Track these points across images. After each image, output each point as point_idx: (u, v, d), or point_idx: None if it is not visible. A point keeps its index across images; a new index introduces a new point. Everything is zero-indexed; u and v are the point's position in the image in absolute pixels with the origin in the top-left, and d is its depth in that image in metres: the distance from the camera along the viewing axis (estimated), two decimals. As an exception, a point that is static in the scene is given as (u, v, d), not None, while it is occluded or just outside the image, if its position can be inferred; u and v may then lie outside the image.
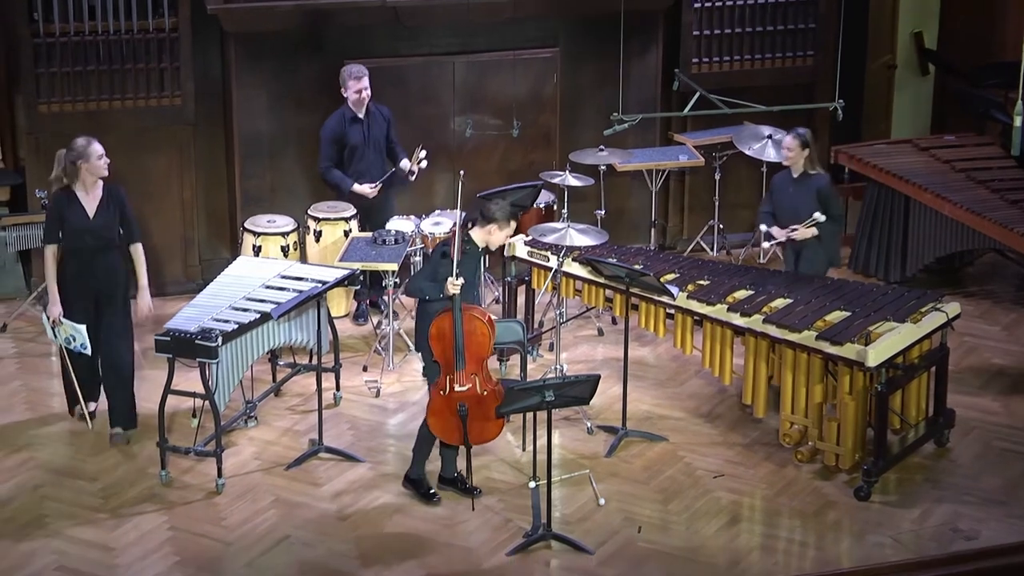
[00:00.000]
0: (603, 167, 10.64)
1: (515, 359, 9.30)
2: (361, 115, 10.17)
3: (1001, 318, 10.54)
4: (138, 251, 8.93)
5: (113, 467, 8.72)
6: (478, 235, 8.26)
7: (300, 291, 8.81)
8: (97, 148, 8.70)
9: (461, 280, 8.02)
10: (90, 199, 8.74)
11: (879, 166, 10.76)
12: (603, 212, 10.64)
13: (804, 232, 9.33)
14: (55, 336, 8.85)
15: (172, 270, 10.84)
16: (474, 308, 8.14)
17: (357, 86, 10.12)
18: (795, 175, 9.39)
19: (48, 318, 8.82)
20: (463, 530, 8.14)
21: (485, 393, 8.11)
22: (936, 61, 12.49)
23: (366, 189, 10.20)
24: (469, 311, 8.10)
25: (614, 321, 10.25)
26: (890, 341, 8.36)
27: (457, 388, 8.13)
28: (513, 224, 8.29)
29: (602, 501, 8.34)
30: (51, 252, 8.81)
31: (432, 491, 8.38)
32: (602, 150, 10.47)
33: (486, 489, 8.44)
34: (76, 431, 9.09)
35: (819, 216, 9.26)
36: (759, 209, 9.75)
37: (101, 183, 8.79)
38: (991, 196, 10.28)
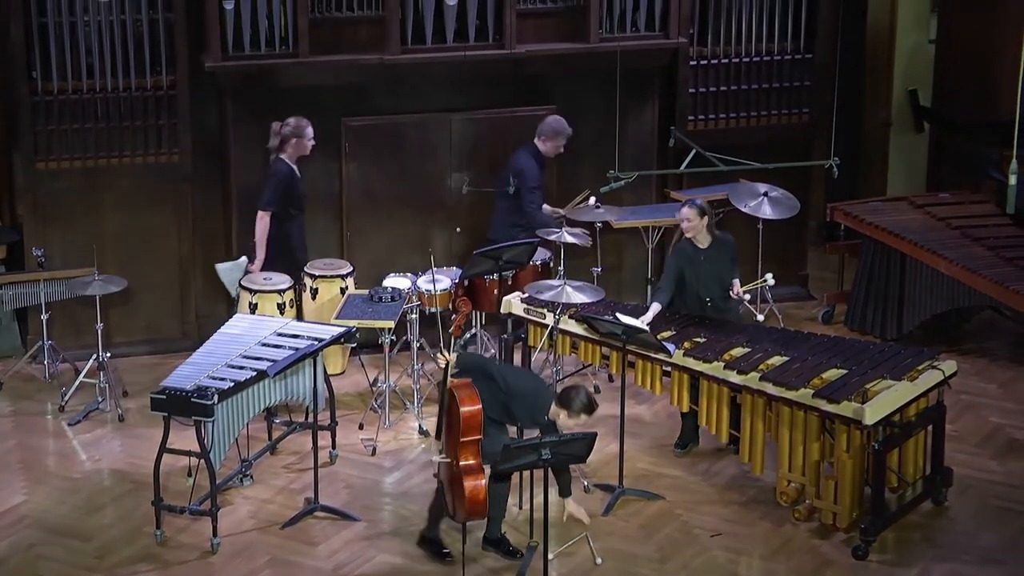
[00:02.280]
0: (599, 224, 10.66)
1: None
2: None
3: (998, 375, 10.53)
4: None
5: (108, 526, 8.69)
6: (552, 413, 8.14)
7: (296, 348, 8.80)
8: (311, 131, 10.04)
9: (453, 355, 8.02)
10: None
11: (875, 223, 10.78)
12: (599, 269, 10.66)
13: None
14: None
15: (169, 327, 10.84)
16: (464, 387, 8.05)
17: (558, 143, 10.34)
18: (703, 246, 9.36)
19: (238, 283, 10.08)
20: (459, 590, 8.11)
21: (456, 473, 8.04)
22: (932, 118, 12.55)
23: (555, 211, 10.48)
24: (453, 388, 8.04)
25: (611, 379, 10.24)
26: (887, 399, 8.35)
27: (435, 458, 8.11)
28: (583, 417, 8.04)
29: (599, 560, 8.30)
30: (268, 217, 10.00)
31: (446, 551, 8.32)
32: (599, 207, 10.50)
33: (482, 552, 8.39)
34: (71, 489, 9.06)
35: (770, 279, 9.34)
36: (658, 287, 9.53)
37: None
38: (987, 253, 10.31)
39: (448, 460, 8.07)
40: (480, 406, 7.98)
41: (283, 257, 10.22)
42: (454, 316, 8.35)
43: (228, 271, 10.30)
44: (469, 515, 8.04)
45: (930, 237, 10.55)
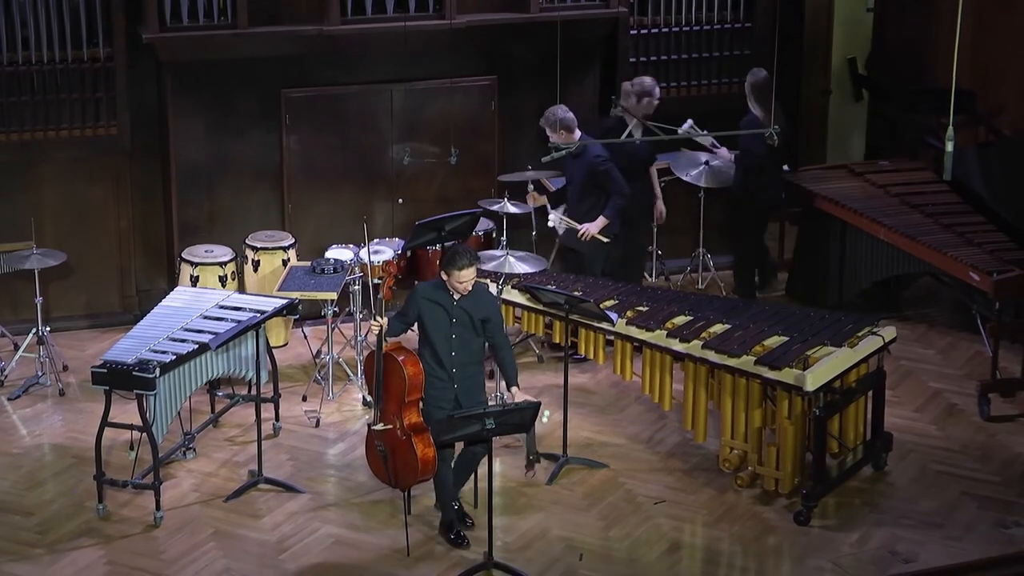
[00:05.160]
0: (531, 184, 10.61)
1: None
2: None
3: (937, 341, 10.64)
4: None
5: (49, 501, 8.63)
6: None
7: (238, 321, 8.77)
8: (658, 90, 10.37)
9: (383, 320, 8.02)
10: None
11: (815, 191, 10.84)
12: (534, 234, 10.61)
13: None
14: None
15: (109, 301, 10.76)
16: (400, 349, 8.11)
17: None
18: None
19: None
20: (405, 560, 8.11)
21: (404, 437, 8.06)
22: (870, 86, 12.62)
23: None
24: (391, 351, 8.06)
25: (556, 347, 10.24)
26: (828, 365, 8.42)
27: (375, 426, 8.11)
28: (460, 271, 8.02)
29: (546, 417, 8.06)
30: None
31: (455, 535, 8.23)
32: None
33: (428, 519, 8.40)
34: (12, 465, 8.99)
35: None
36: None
37: None
38: (925, 220, 10.39)
39: (389, 427, 8.07)
40: (421, 365, 8.01)
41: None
42: (383, 280, 8.33)
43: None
44: (421, 475, 8.07)
45: (869, 204, 10.62)
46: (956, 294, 10.50)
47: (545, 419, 8.09)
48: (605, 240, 10.07)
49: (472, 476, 8.40)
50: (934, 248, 10.05)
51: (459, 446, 8.20)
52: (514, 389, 8.17)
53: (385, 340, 8.06)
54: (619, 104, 10.38)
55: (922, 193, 10.75)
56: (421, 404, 8.11)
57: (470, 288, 8.07)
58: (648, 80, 10.46)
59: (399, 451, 8.06)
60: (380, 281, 8.26)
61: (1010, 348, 9.87)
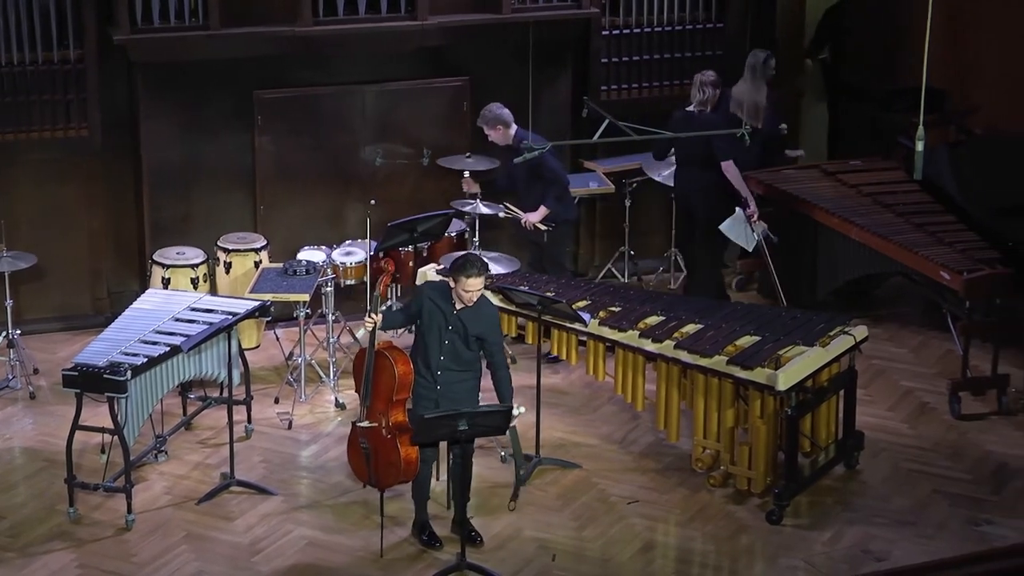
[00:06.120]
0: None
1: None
2: None
3: (908, 340, 10.67)
4: None
5: (20, 505, 8.59)
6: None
7: (210, 323, 8.74)
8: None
9: (377, 317, 8.00)
10: None
11: (787, 191, 10.86)
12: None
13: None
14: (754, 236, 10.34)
15: (80, 303, 10.72)
16: (392, 348, 8.11)
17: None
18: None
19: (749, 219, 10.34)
20: (379, 562, 8.10)
21: (389, 436, 8.05)
22: (841, 86, 12.64)
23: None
24: (384, 350, 8.06)
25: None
26: (800, 365, 8.44)
27: (361, 423, 8.10)
28: (468, 279, 7.96)
29: (518, 411, 8.12)
30: (733, 163, 10.36)
31: (427, 536, 8.23)
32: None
33: (401, 519, 8.39)
34: (-18, 469, 8.97)
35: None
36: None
37: None
38: (896, 219, 10.42)
39: (375, 425, 8.06)
40: (411, 364, 8.02)
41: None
42: (380, 277, 8.35)
43: (732, 227, 10.44)
44: (404, 475, 8.07)
45: (841, 204, 10.65)
46: (927, 293, 10.54)
47: (518, 413, 8.10)
48: (544, 228, 10.09)
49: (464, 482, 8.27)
50: (905, 247, 10.08)
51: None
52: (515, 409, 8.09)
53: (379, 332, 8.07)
54: (590, 104, 10.37)
55: (893, 193, 10.77)
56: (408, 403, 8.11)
57: (475, 299, 8.02)
58: (711, 76, 10.51)
59: (383, 450, 8.05)
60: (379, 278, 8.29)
61: (980, 347, 9.91)
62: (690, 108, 10.50)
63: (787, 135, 11.27)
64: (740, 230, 10.48)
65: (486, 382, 8.22)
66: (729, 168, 10.40)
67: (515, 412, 7.91)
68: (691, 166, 10.54)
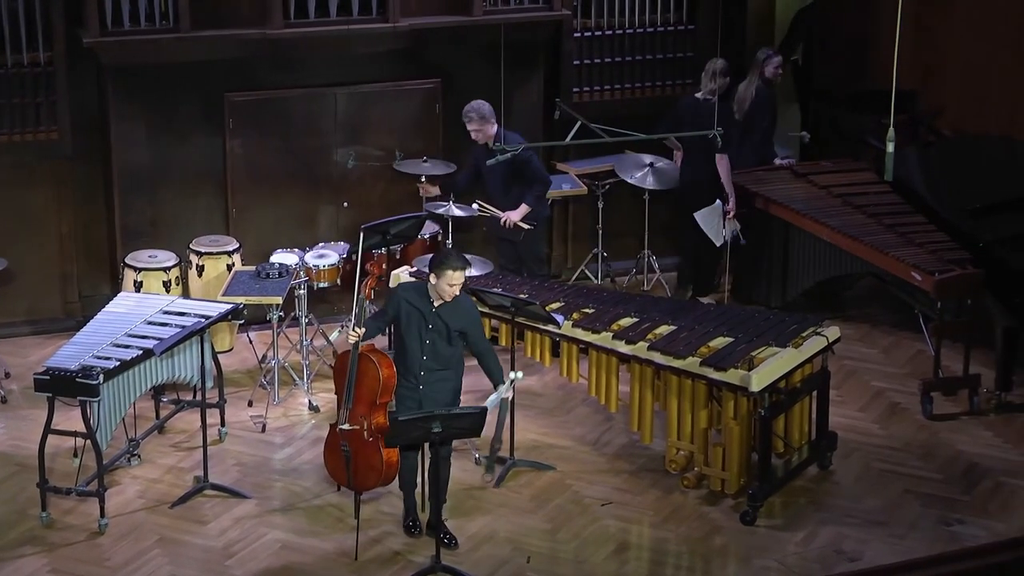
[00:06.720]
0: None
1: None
2: None
3: (880, 341, 10.72)
4: None
5: (-8, 510, 8.56)
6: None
7: (183, 326, 8.72)
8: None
9: (361, 330, 8.01)
10: None
11: (758, 192, 10.90)
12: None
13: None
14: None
15: (51, 307, 10.67)
16: (375, 351, 8.09)
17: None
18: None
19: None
20: (353, 564, 8.09)
21: (371, 439, 8.04)
22: (811, 88, 12.68)
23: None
24: (368, 352, 8.05)
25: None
26: (773, 366, 8.47)
27: (342, 426, 8.09)
28: (452, 272, 7.96)
29: (517, 376, 8.13)
30: (727, 158, 10.39)
31: (411, 522, 8.29)
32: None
33: (376, 523, 8.39)
34: (-47, 474, 8.92)
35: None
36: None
37: None
38: (867, 221, 10.46)
39: (356, 428, 8.05)
40: (395, 368, 8.02)
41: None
42: (365, 279, 8.34)
43: (706, 217, 10.42)
44: (384, 478, 8.07)
45: (813, 205, 10.69)
46: (898, 294, 10.58)
47: (515, 378, 8.14)
48: (526, 227, 10.10)
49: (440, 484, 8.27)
50: (876, 248, 10.13)
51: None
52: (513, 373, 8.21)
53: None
54: (562, 106, 10.39)
55: (864, 194, 10.82)
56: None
57: (456, 293, 8.04)
58: (720, 64, 10.57)
59: (364, 453, 8.04)
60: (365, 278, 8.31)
61: (951, 347, 9.96)
62: (699, 95, 10.55)
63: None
64: (714, 223, 10.51)
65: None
66: (722, 161, 10.44)
67: (514, 376, 7.99)
68: (697, 154, 10.57)
